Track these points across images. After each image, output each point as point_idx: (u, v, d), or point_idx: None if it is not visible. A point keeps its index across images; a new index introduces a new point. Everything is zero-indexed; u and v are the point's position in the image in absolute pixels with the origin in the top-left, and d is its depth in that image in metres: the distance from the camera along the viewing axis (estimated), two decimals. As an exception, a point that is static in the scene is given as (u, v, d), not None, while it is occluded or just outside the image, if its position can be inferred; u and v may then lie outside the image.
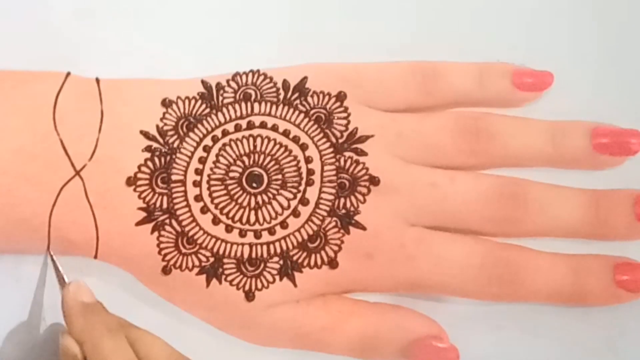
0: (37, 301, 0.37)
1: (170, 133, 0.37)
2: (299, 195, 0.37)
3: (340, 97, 0.38)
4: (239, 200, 0.37)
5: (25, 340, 0.37)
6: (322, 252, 0.36)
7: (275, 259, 0.36)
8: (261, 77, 0.39)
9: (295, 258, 0.36)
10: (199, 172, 0.37)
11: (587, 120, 0.39)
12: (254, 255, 0.36)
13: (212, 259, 0.36)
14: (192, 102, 0.38)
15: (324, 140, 0.38)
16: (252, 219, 0.37)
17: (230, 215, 0.37)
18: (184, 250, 0.36)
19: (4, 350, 0.37)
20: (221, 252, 0.36)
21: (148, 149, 0.37)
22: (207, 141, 0.37)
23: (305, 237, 0.37)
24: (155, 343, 0.34)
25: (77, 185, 0.36)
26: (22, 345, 0.37)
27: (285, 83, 0.39)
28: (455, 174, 0.38)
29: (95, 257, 0.37)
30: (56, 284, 0.37)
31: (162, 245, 0.36)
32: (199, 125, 0.38)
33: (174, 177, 0.37)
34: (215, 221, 0.37)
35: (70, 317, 0.34)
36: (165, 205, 0.37)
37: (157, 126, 0.38)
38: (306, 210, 0.37)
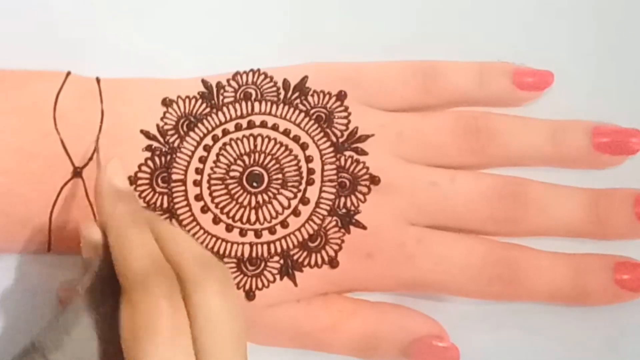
0: (37, 300, 0.37)
1: (170, 132, 0.38)
2: (299, 195, 0.37)
3: (341, 96, 0.38)
4: (240, 200, 0.37)
5: (26, 339, 0.37)
6: (323, 252, 0.36)
7: (276, 258, 0.36)
8: (261, 77, 0.39)
9: (295, 257, 0.36)
10: (199, 171, 0.37)
11: (587, 120, 0.39)
12: (254, 254, 0.36)
13: (212, 259, 0.36)
14: (193, 101, 0.38)
15: (325, 139, 0.38)
16: (253, 218, 0.37)
17: (231, 214, 0.37)
18: (184, 250, 0.36)
19: (4, 349, 0.37)
20: (221, 251, 0.36)
21: (148, 148, 0.37)
22: (208, 140, 0.38)
23: (306, 236, 0.37)
24: (184, 241, 0.32)
25: (78, 185, 0.36)
26: (22, 344, 0.37)
27: (285, 82, 0.39)
28: (455, 173, 0.38)
29: (96, 256, 0.37)
30: (56, 284, 0.37)
31: (162, 245, 0.36)
32: (200, 125, 0.38)
33: (174, 177, 0.37)
34: (216, 220, 0.37)
35: (101, 201, 0.33)
36: (165, 205, 0.37)
37: (158, 125, 0.38)
38: (306, 209, 0.37)
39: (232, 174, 0.37)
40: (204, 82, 0.39)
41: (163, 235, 0.32)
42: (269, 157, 0.37)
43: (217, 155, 0.37)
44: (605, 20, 0.42)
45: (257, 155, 0.37)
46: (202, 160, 0.37)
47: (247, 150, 0.37)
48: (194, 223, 0.37)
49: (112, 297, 0.31)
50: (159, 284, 0.30)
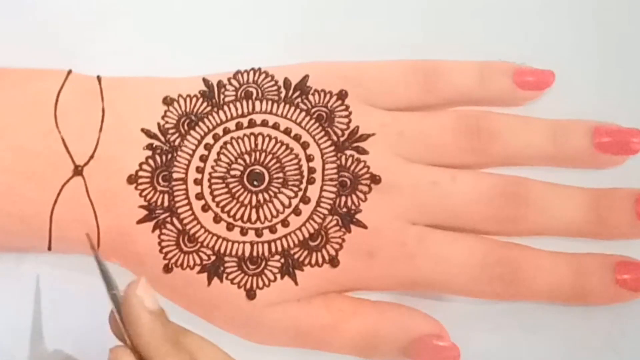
0: (37, 299, 0.37)
1: (171, 131, 0.38)
2: (300, 194, 0.37)
3: (342, 95, 0.38)
4: (240, 199, 0.37)
5: (26, 338, 0.37)
6: (323, 251, 0.36)
7: (277, 257, 0.36)
8: (262, 75, 0.39)
9: (296, 256, 0.36)
10: (200, 170, 0.37)
11: (588, 119, 0.39)
12: (255, 253, 0.36)
13: (213, 258, 0.36)
14: (194, 100, 0.38)
15: (325, 138, 0.38)
16: (254, 217, 0.37)
17: (232, 213, 0.37)
18: (185, 249, 0.36)
19: (4, 348, 0.37)
20: (222, 250, 0.36)
21: (149, 147, 0.37)
22: (209, 139, 0.38)
23: (307, 235, 0.37)
24: (218, 356, 0.32)
25: (78, 183, 0.36)
26: (23, 344, 0.37)
27: (286, 81, 0.39)
28: (456, 172, 0.38)
29: (97, 255, 0.37)
30: (56, 283, 0.37)
31: (163, 244, 0.36)
32: (200, 123, 0.38)
33: (175, 175, 0.37)
34: (217, 219, 0.37)
35: (137, 327, 0.31)
36: (166, 204, 0.37)
37: (159, 124, 0.38)
38: (307, 208, 0.37)
39: (233, 172, 0.37)
40: (205, 80, 0.39)
41: (195, 351, 0.32)
42: (269, 156, 0.37)
43: (218, 154, 0.37)
44: (606, 19, 0.42)
45: (258, 154, 0.37)
46: (203, 159, 0.37)
47: (248, 149, 0.37)
48: (195, 222, 0.37)
49: None
50: None
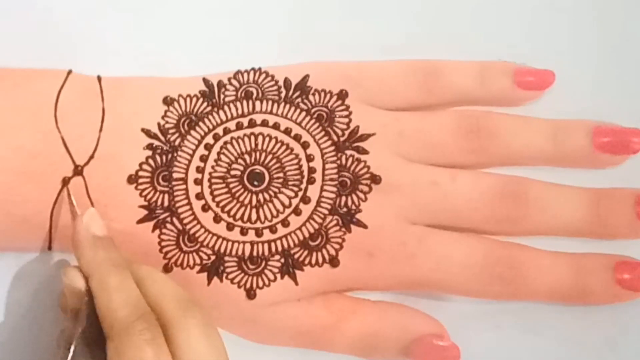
0: (38, 299, 0.37)
1: (171, 131, 0.38)
2: (300, 194, 0.37)
3: (342, 95, 0.38)
4: (240, 199, 0.37)
5: (26, 338, 0.37)
6: (324, 251, 0.36)
7: (277, 257, 0.36)
8: (263, 75, 0.39)
9: (296, 256, 0.36)
10: (200, 170, 0.37)
11: (588, 119, 0.39)
12: (255, 253, 0.36)
13: (213, 257, 0.36)
14: (194, 100, 0.38)
15: (326, 138, 0.38)
16: (254, 217, 0.37)
17: (232, 213, 0.37)
18: (185, 249, 0.36)
19: (5, 347, 0.37)
20: (222, 250, 0.36)
21: (149, 146, 0.37)
22: (209, 139, 0.38)
23: (307, 235, 0.37)
24: (164, 283, 0.34)
25: (79, 183, 0.36)
26: (23, 343, 0.37)
27: (286, 81, 0.39)
28: (456, 172, 0.38)
29: (97, 255, 0.37)
30: (57, 283, 0.37)
31: (163, 244, 0.36)
32: (201, 123, 0.38)
33: (175, 175, 0.37)
34: (217, 219, 0.37)
35: (81, 249, 0.34)
36: (166, 203, 0.37)
37: (159, 124, 0.38)
38: (307, 208, 0.37)
39: (233, 172, 0.37)
40: (205, 80, 0.39)
41: (143, 278, 0.33)
42: (270, 156, 0.37)
43: (218, 153, 0.37)
44: (606, 19, 0.42)
45: (258, 154, 0.37)
46: (203, 158, 0.37)
47: (248, 149, 0.37)
48: (195, 222, 0.37)
49: (102, 344, 0.32)
50: (143, 330, 0.31)
